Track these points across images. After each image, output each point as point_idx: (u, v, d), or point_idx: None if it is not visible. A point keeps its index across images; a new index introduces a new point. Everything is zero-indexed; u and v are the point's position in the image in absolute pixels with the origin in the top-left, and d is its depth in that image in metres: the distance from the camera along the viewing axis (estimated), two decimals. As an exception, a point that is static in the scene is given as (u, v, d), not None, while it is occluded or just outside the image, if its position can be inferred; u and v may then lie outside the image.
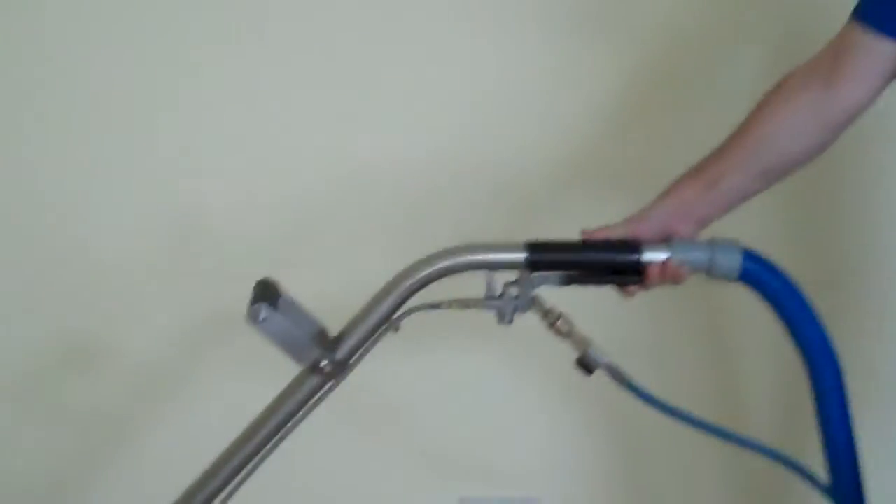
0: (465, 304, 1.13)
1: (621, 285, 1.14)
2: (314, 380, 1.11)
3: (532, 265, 1.11)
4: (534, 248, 1.11)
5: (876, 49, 1.09)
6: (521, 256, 1.11)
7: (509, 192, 1.59)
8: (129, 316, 1.61)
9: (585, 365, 1.12)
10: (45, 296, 1.58)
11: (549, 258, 1.11)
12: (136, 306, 1.60)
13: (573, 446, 1.74)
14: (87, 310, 1.60)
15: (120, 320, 1.61)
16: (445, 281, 1.11)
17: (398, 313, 1.11)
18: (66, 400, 1.62)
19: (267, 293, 1.09)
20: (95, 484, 1.66)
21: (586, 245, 1.13)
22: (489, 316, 1.14)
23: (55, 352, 1.61)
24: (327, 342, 1.10)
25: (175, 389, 1.63)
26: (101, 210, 1.56)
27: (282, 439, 1.11)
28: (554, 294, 1.13)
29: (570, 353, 1.12)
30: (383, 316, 1.11)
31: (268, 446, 1.11)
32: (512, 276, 1.12)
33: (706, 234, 1.15)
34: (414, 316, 1.12)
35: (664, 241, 1.12)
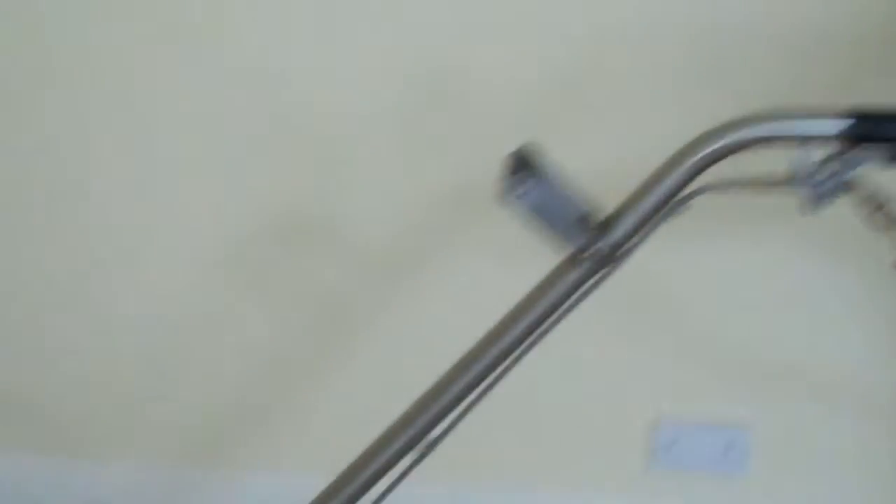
0: (766, 184, 0.93)
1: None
2: (579, 269, 0.94)
3: (856, 138, 0.90)
4: (860, 115, 0.90)
5: None
6: (841, 126, 0.90)
7: (815, 46, 1.33)
8: (361, 187, 1.46)
9: (916, 265, 0.92)
10: (272, 164, 1.45)
11: (880, 129, 0.90)
12: (369, 176, 1.45)
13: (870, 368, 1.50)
14: (316, 180, 1.46)
15: (350, 192, 1.46)
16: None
17: (683, 193, 0.93)
18: (291, 276, 1.51)
19: (526, 163, 0.92)
20: (320, 367, 1.55)
21: (929, 113, 0.91)
22: (783, 200, 0.94)
23: (282, 225, 1.48)
24: (596, 225, 0.93)
25: (412, 273, 1.48)
26: (331, 67, 1.40)
27: (540, 337, 0.95)
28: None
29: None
30: (665, 196, 0.92)
31: (524, 344, 0.95)
32: (820, 151, 0.91)
33: None
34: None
35: None
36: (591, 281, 0.94)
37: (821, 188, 0.92)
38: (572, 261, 0.94)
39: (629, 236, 0.93)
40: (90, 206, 1.52)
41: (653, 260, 1.31)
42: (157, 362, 1.59)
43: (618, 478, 1.59)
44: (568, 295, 0.94)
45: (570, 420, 1.57)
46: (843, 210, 0.95)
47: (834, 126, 0.90)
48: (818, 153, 0.92)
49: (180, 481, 1.63)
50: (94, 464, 1.64)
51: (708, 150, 0.91)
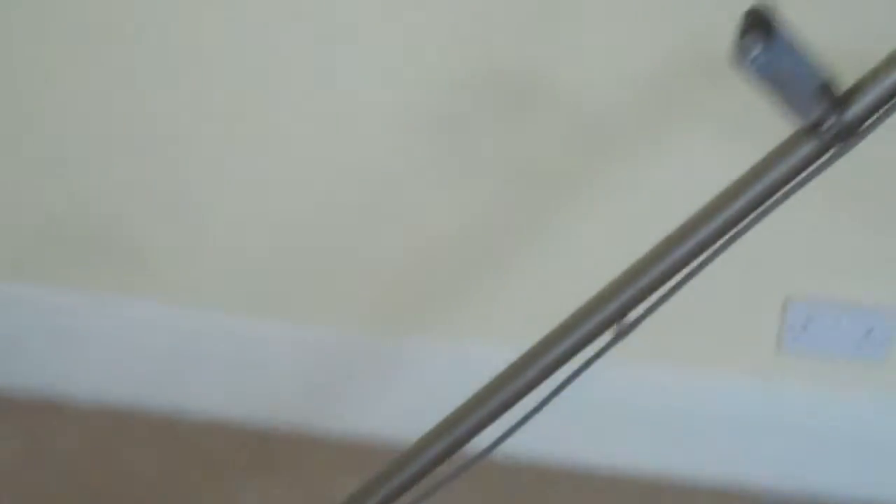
0: None
1: None
2: (810, 145, 0.85)
3: None
4: None
5: None
6: None
7: None
8: (579, 52, 1.36)
9: None
10: (481, 14, 1.35)
11: None
12: (592, 37, 1.35)
13: None
14: (532, 39, 1.36)
15: (570, 55, 1.36)
16: None
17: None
18: (496, 141, 1.43)
19: (762, 24, 0.82)
20: (520, 237, 1.49)
21: None
22: None
23: (490, 85, 1.39)
24: (834, 98, 0.84)
25: (626, 145, 1.39)
26: None
27: (760, 217, 0.88)
28: None
29: None
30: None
31: (741, 223, 0.88)
32: None
33: None
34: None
35: None
36: (823, 159, 0.86)
37: None
38: (804, 135, 0.85)
39: (870, 112, 0.85)
40: (284, 55, 1.44)
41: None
42: (349, 224, 1.53)
43: (746, 359, 1.54)
44: (795, 172, 0.86)
45: (695, 293, 1.50)
46: None
47: None
48: None
49: (368, 347, 1.59)
50: (280, 325, 1.59)
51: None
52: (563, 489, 1.57)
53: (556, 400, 1.38)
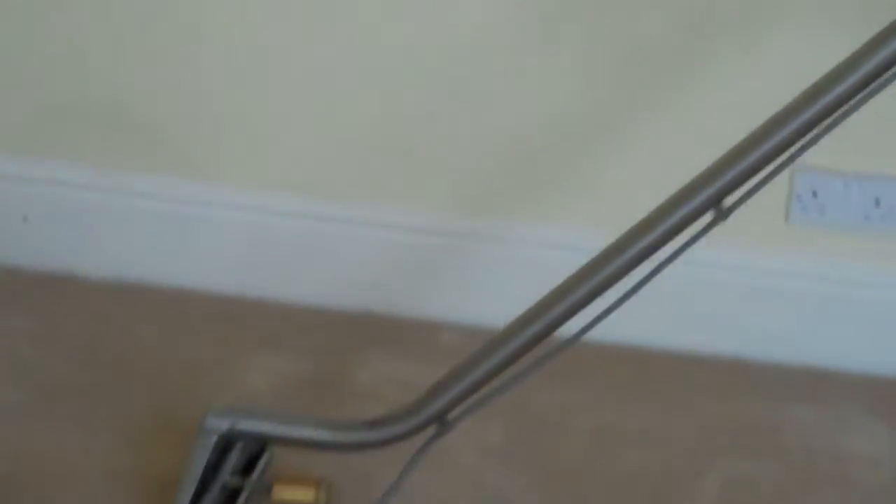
0: None
1: None
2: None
3: None
4: None
5: None
6: None
7: None
8: None
9: None
10: None
11: None
12: None
13: None
14: None
15: None
16: None
17: None
18: (591, 26, 1.40)
19: None
20: (613, 132, 1.46)
21: None
22: None
23: None
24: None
25: (735, 32, 1.36)
26: None
27: (862, 101, 0.89)
28: None
29: None
30: None
31: (843, 108, 0.88)
32: None
33: None
34: None
35: None
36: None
37: None
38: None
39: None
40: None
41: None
42: (435, 103, 1.49)
43: (753, 230, 1.52)
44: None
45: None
46: None
47: None
48: None
49: (452, 229, 1.56)
50: (364, 207, 1.56)
51: None
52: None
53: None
